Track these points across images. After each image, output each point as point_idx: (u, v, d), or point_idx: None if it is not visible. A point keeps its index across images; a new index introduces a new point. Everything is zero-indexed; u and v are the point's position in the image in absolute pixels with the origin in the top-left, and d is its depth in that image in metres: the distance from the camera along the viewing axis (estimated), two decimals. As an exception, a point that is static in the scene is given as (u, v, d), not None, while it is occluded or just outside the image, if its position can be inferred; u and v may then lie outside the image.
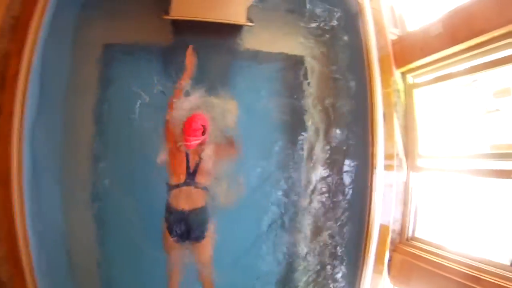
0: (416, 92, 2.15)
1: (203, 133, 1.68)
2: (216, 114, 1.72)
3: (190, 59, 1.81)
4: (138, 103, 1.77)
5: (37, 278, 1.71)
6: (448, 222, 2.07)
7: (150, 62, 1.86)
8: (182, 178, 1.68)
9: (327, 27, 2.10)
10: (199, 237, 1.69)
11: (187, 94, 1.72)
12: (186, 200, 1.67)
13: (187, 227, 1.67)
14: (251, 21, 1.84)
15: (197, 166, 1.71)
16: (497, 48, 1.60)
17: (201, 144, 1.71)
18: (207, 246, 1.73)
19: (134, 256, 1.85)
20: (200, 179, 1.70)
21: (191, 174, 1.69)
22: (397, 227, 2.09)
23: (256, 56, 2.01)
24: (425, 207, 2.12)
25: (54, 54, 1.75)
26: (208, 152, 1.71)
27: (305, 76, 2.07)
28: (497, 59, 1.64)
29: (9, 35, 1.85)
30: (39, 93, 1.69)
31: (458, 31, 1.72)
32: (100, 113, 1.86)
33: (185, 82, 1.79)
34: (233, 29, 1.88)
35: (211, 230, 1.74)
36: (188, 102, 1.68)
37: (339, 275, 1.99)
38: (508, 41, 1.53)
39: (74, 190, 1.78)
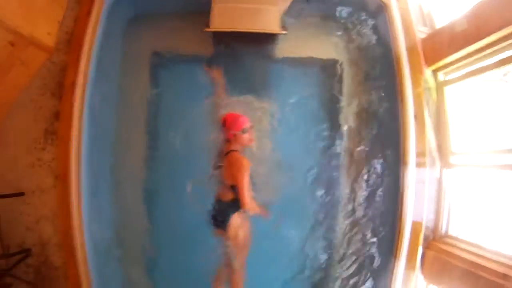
0: (447, 89, 2.14)
1: (224, 125, 1.81)
2: (254, 118, 1.83)
3: (215, 75, 1.96)
4: (184, 107, 1.94)
5: (90, 266, 1.92)
6: (483, 219, 2.03)
7: (196, 69, 2.01)
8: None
9: (357, 30, 2.16)
10: (220, 226, 1.81)
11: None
12: (218, 187, 1.83)
13: (213, 212, 1.82)
14: (285, 29, 1.95)
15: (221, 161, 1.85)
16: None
17: (227, 139, 1.83)
18: (233, 237, 1.82)
19: (183, 245, 2.00)
20: (220, 174, 1.82)
21: (217, 167, 1.83)
22: (430, 224, 2.09)
23: (292, 61, 2.12)
24: (460, 204, 2.09)
25: (107, 63, 1.95)
26: (230, 156, 1.78)
27: (339, 78, 2.15)
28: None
29: (65, 48, 2.10)
30: (95, 98, 1.90)
31: (482, 26, 1.72)
32: (150, 115, 2.05)
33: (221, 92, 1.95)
34: (269, 37, 2.00)
35: (235, 226, 1.81)
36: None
37: (371, 271, 2.03)
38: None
39: (126, 184, 2.00)
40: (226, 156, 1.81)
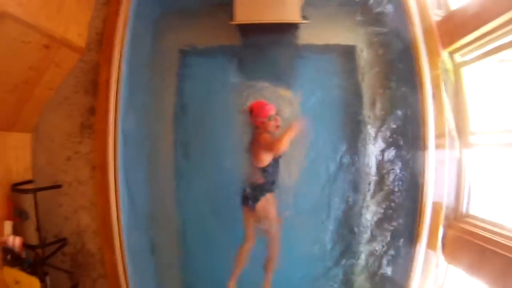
0: (465, 70, 2.17)
1: (251, 113, 1.93)
2: (279, 103, 1.96)
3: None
4: (213, 92, 2.08)
5: (125, 251, 2.06)
6: (503, 198, 2.05)
7: (223, 61, 2.19)
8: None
9: (374, 16, 2.22)
10: (250, 205, 1.96)
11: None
12: (250, 171, 1.96)
13: (244, 195, 1.97)
14: (306, 18, 2.04)
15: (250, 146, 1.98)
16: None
17: (255, 126, 1.94)
18: (264, 210, 1.97)
19: (211, 224, 2.16)
20: (251, 157, 1.96)
21: (248, 152, 1.97)
22: (451, 204, 2.13)
23: (313, 48, 2.23)
24: (480, 183, 2.12)
25: (137, 59, 2.09)
26: (258, 139, 1.92)
27: (359, 63, 2.23)
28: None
29: (95, 48, 2.24)
30: (127, 93, 2.04)
31: (492, 7, 1.75)
32: (179, 103, 2.19)
33: None
34: (290, 27, 2.09)
35: (264, 205, 1.95)
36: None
37: (394, 250, 2.11)
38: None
39: (158, 173, 2.15)
40: (255, 141, 1.93)
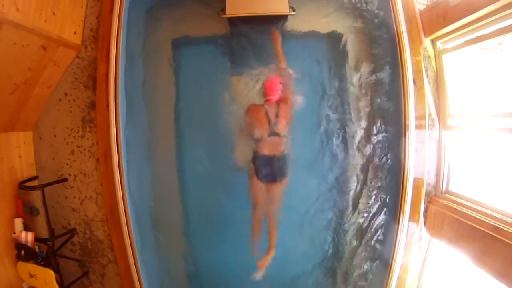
0: (446, 57, 2.27)
1: (270, 89, 2.05)
2: None
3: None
4: (206, 83, 2.22)
5: (133, 235, 2.18)
6: (479, 177, 2.23)
7: (213, 51, 2.29)
8: (267, 130, 2.06)
9: (361, 5, 2.30)
10: (282, 177, 2.08)
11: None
12: (273, 147, 2.06)
13: (272, 169, 2.06)
14: (293, 10, 2.14)
15: (276, 118, 2.07)
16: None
17: (278, 99, 2.08)
18: (282, 186, 2.11)
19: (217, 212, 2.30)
20: (279, 129, 2.07)
21: (273, 126, 2.06)
22: (432, 181, 2.29)
23: (302, 36, 2.31)
24: (459, 163, 2.28)
25: (133, 52, 2.17)
26: (283, 106, 2.07)
27: (345, 49, 2.32)
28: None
29: (91, 44, 2.31)
30: (126, 85, 2.14)
31: (473, 1, 1.82)
32: (177, 92, 2.29)
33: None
34: (279, 17, 2.18)
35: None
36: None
37: (380, 222, 2.27)
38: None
39: (161, 162, 2.27)
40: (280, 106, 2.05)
